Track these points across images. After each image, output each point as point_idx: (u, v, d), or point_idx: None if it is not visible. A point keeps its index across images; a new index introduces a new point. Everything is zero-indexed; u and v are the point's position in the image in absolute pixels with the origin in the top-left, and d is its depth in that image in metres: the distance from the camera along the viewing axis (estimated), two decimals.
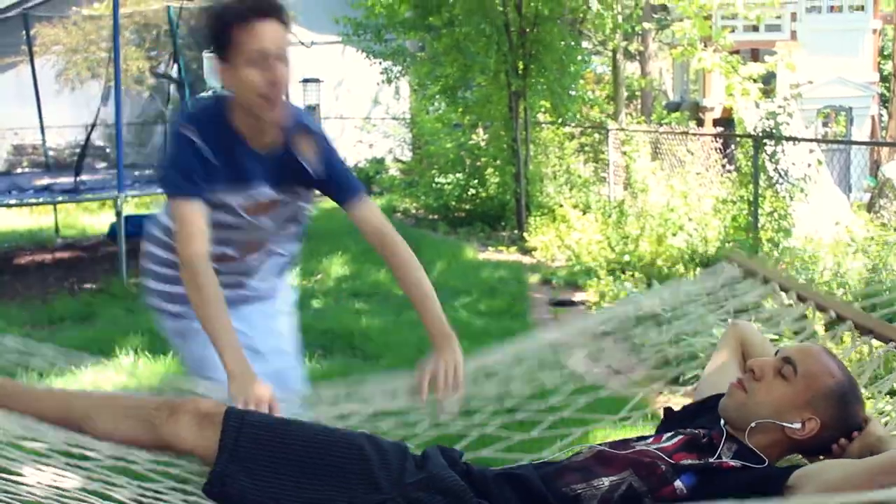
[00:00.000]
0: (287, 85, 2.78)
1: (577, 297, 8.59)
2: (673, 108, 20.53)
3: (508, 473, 2.34)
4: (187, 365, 3.18)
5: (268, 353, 3.08)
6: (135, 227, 11.75)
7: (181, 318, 3.08)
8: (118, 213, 9.76)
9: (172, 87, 13.33)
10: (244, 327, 2.98)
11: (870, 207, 12.46)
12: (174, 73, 13.02)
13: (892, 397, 2.70)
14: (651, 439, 2.37)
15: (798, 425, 2.26)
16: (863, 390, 2.49)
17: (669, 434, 2.37)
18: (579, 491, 2.18)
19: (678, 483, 2.17)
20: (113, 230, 10.57)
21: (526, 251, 11.11)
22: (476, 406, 2.92)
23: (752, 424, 2.27)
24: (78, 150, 12.41)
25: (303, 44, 7.61)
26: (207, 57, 8.21)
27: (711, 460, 2.21)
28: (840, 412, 2.29)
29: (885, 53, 22.44)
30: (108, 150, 12.38)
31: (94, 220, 14.47)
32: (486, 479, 2.30)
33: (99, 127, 12.69)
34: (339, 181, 2.98)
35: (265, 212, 3.00)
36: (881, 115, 20.74)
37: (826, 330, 3.03)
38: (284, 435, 2.33)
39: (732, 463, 2.20)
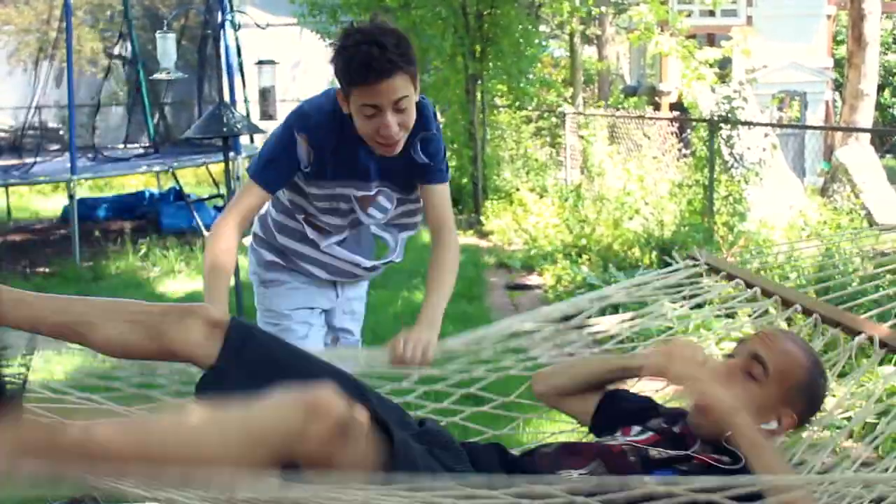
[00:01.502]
0: (406, 127, 2.83)
1: (534, 280, 8.60)
2: (630, 92, 20.59)
3: (494, 444, 2.33)
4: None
5: (339, 331, 3.53)
6: (88, 209, 11.67)
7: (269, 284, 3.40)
8: (71, 196, 9.65)
9: (126, 68, 13.18)
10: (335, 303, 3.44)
11: (823, 192, 12.57)
12: (127, 53, 12.87)
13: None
14: (619, 432, 2.29)
15: (775, 424, 2.19)
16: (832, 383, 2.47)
17: (639, 429, 2.26)
18: None
19: (647, 478, 1.97)
20: (66, 213, 10.46)
21: (483, 235, 11.11)
22: (443, 391, 2.98)
23: (728, 433, 2.08)
24: (30, 132, 12.25)
25: (258, 25, 7.54)
26: (161, 37, 8.10)
27: (687, 452, 2.11)
28: (814, 400, 2.25)
29: (839, 39, 22.64)
30: (61, 132, 12.21)
31: (46, 202, 14.30)
32: (474, 447, 2.30)
33: (52, 108, 12.53)
34: (432, 169, 3.12)
35: (373, 202, 3.18)
36: (835, 101, 20.93)
37: (790, 325, 3.01)
38: (289, 352, 2.32)
39: (706, 458, 2.08)
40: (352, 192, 3.09)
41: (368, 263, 3.38)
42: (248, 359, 2.22)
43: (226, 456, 1.71)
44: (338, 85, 2.85)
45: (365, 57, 2.65)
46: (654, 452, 2.12)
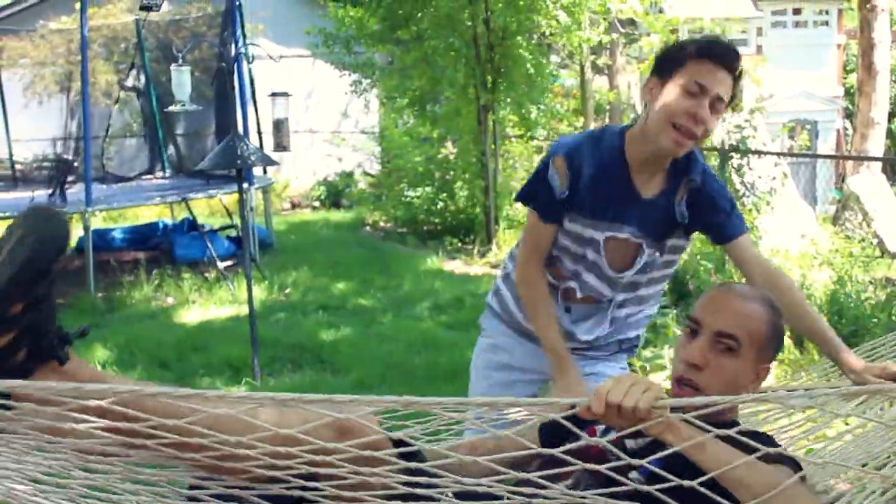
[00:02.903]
0: (706, 133, 2.67)
1: None
2: None
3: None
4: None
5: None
6: (102, 240, 11.73)
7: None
8: (86, 228, 9.71)
9: (140, 100, 13.29)
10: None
11: (835, 220, 12.58)
12: (141, 85, 12.98)
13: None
14: (585, 432, 2.08)
15: (754, 383, 2.21)
16: None
17: (602, 428, 2.20)
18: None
19: (634, 474, 1.94)
20: (80, 244, 10.52)
21: (494, 264, 11.13)
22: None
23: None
24: (46, 164, 12.32)
25: (272, 58, 7.62)
26: (176, 70, 8.19)
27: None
28: (780, 340, 2.27)
29: (849, 68, 22.69)
30: (75, 164, 12.30)
31: None
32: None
33: (67, 140, 12.64)
34: (717, 227, 2.86)
35: (625, 258, 2.92)
36: (846, 129, 20.96)
37: None
38: None
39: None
40: (600, 234, 2.87)
41: (585, 337, 3.07)
42: None
43: (251, 443, 1.72)
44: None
45: (717, 38, 2.72)
46: (632, 443, 2.08)
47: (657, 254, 2.93)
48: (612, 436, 2.01)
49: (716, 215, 2.83)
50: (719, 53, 2.63)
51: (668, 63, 2.69)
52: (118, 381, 1.98)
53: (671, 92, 2.65)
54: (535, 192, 2.92)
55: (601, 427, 2.22)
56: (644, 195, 2.83)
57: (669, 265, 3.03)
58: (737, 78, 2.68)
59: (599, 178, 2.79)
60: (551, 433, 2.38)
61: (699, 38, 2.72)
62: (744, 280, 2.90)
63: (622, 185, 2.81)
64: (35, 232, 1.79)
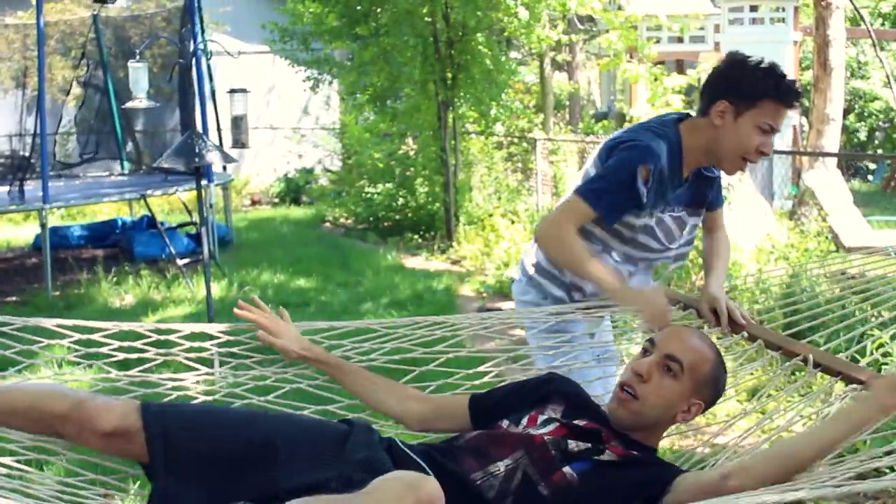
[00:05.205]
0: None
1: (506, 305, 8.64)
2: (601, 117, 20.74)
3: (428, 452, 2.36)
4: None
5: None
6: (60, 238, 11.64)
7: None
8: (43, 225, 9.63)
9: (98, 96, 13.19)
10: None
11: (792, 215, 12.70)
12: (99, 81, 12.88)
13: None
14: (525, 421, 2.45)
15: (685, 413, 2.48)
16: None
17: (544, 418, 2.44)
18: (478, 482, 2.24)
19: (567, 469, 2.27)
20: (38, 241, 10.43)
21: (455, 260, 11.16)
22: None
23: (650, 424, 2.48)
24: (1, 160, 12.20)
25: (230, 54, 7.59)
26: (133, 66, 8.13)
27: (606, 447, 2.35)
28: (718, 389, 2.55)
29: (805, 65, 22.92)
30: (32, 161, 12.19)
31: (18, 231, 14.25)
32: (409, 461, 2.31)
33: (23, 136, 12.51)
34: (716, 197, 3.35)
35: (672, 232, 3.26)
36: (802, 126, 21.16)
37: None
38: (210, 427, 2.37)
39: (620, 450, 2.35)
40: (652, 220, 3.17)
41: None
42: (182, 444, 2.30)
43: None
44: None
45: (792, 83, 2.95)
46: (573, 445, 2.32)
47: (693, 218, 3.31)
48: (549, 427, 2.39)
49: (715, 192, 3.32)
50: (794, 100, 2.96)
51: (743, 93, 2.97)
52: None
53: (745, 129, 2.99)
54: (612, 199, 3.07)
55: (543, 416, 2.45)
56: (685, 178, 3.19)
57: (695, 229, 3.39)
58: None
59: (664, 176, 3.08)
60: (483, 414, 2.61)
61: (774, 74, 2.96)
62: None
63: (679, 176, 3.15)
64: None
